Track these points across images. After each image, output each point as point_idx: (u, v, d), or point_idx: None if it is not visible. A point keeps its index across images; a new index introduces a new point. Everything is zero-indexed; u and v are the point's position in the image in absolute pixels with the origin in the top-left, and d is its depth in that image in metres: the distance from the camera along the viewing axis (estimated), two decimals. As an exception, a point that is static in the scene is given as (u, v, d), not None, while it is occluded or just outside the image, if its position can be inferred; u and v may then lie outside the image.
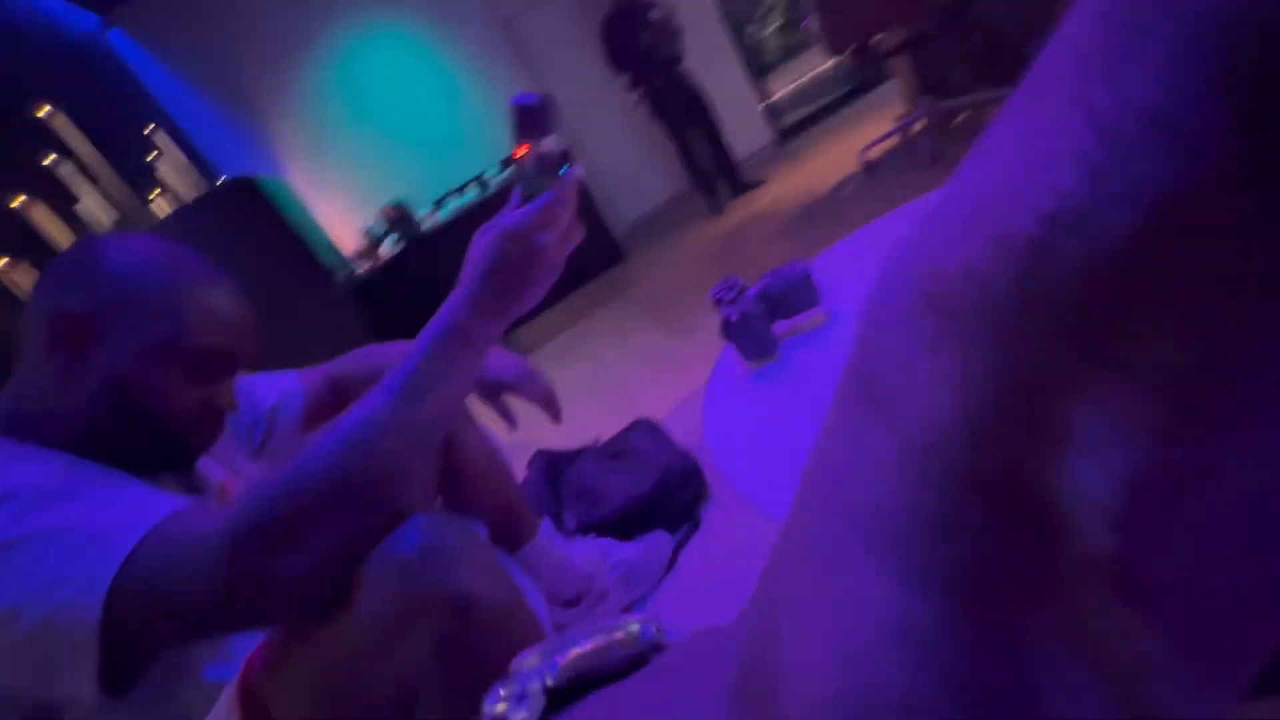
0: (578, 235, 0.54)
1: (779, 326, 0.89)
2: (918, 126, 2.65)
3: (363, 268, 3.75)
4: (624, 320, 2.85)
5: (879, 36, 2.48)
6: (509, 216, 0.51)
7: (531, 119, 0.48)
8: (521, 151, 0.49)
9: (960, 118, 2.71)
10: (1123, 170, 0.07)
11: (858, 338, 0.12)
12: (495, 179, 3.92)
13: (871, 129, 3.55)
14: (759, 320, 0.82)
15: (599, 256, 3.84)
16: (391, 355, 0.88)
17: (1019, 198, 0.09)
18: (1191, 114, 0.07)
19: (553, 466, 1.37)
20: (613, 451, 1.38)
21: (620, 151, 4.70)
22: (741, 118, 4.61)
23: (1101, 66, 0.08)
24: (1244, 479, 0.08)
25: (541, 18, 4.40)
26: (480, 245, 0.51)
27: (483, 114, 4.29)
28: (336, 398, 0.86)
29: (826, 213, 2.68)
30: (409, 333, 0.95)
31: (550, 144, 0.49)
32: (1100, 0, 0.08)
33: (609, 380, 2.27)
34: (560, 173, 0.50)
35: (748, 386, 0.83)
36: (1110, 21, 0.08)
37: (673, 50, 3.52)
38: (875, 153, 2.88)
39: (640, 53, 3.47)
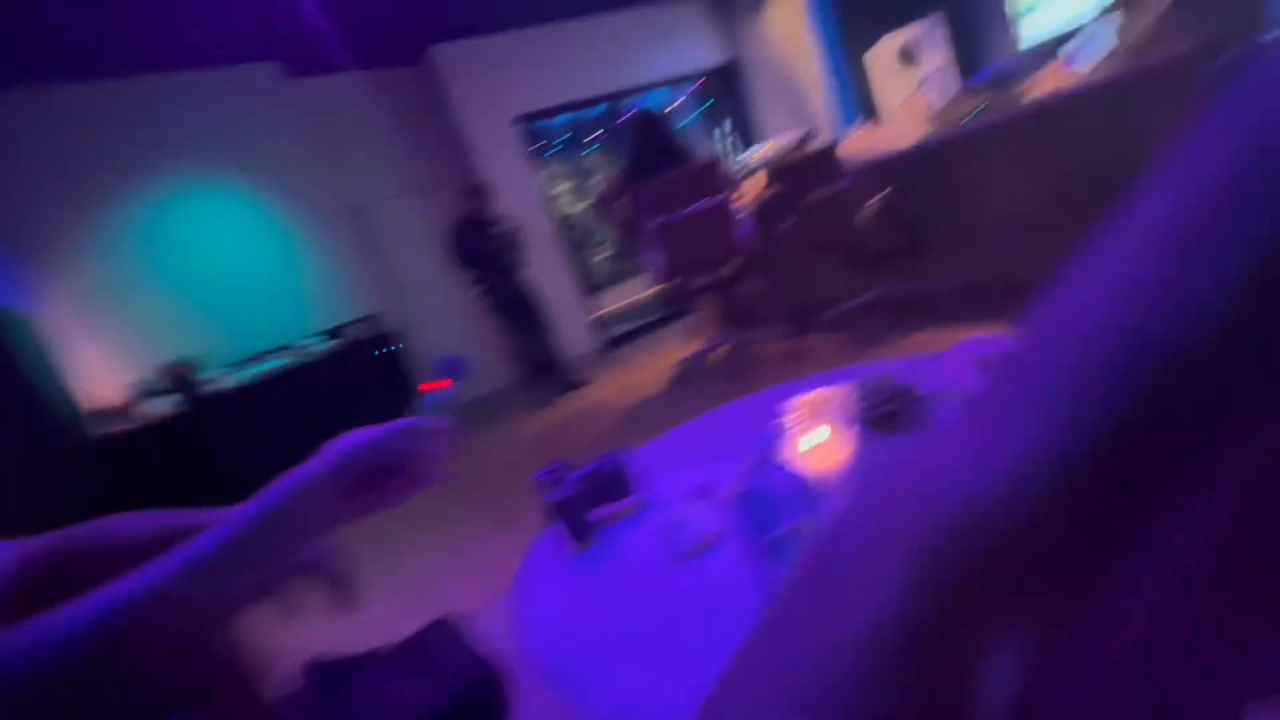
0: (443, 474, 0.57)
1: (595, 513, 0.93)
2: (721, 349, 3.13)
3: (118, 426, 3.15)
4: (437, 507, 2.67)
5: (692, 277, 3.01)
6: (397, 422, 0.53)
7: (449, 369, 0.61)
8: (426, 387, 0.60)
9: (752, 347, 3.27)
10: (1035, 478, 0.12)
11: (821, 541, 0.15)
12: (311, 349, 3.72)
13: (684, 347, 4.10)
14: (579, 504, 0.85)
15: (416, 438, 3.68)
16: (143, 527, 0.74)
17: (973, 472, 0.12)
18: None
19: (329, 677, 1.15)
20: (404, 656, 1.21)
21: (453, 338, 4.81)
22: (572, 325, 5.06)
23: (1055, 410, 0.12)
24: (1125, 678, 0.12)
25: (391, 212, 4.67)
26: (351, 438, 0.51)
27: (310, 285, 4.19)
28: (56, 576, 0.68)
29: (642, 415, 2.92)
30: (175, 503, 0.82)
31: (450, 392, 0.60)
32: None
33: (414, 573, 2.05)
34: (447, 417, 0.60)
35: (563, 573, 0.82)
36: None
37: (514, 260, 3.89)
38: (686, 367, 3.31)
39: (484, 257, 3.78)
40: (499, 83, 4.82)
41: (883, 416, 0.65)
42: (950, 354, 1.06)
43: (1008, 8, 5.68)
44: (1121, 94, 2.07)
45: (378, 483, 0.52)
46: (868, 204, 2.56)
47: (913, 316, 2.86)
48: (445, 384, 0.59)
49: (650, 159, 3.06)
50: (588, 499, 0.91)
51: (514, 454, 3.11)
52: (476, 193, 3.83)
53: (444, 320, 4.80)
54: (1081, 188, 2.53)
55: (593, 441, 2.82)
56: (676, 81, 5.82)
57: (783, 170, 2.86)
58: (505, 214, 3.94)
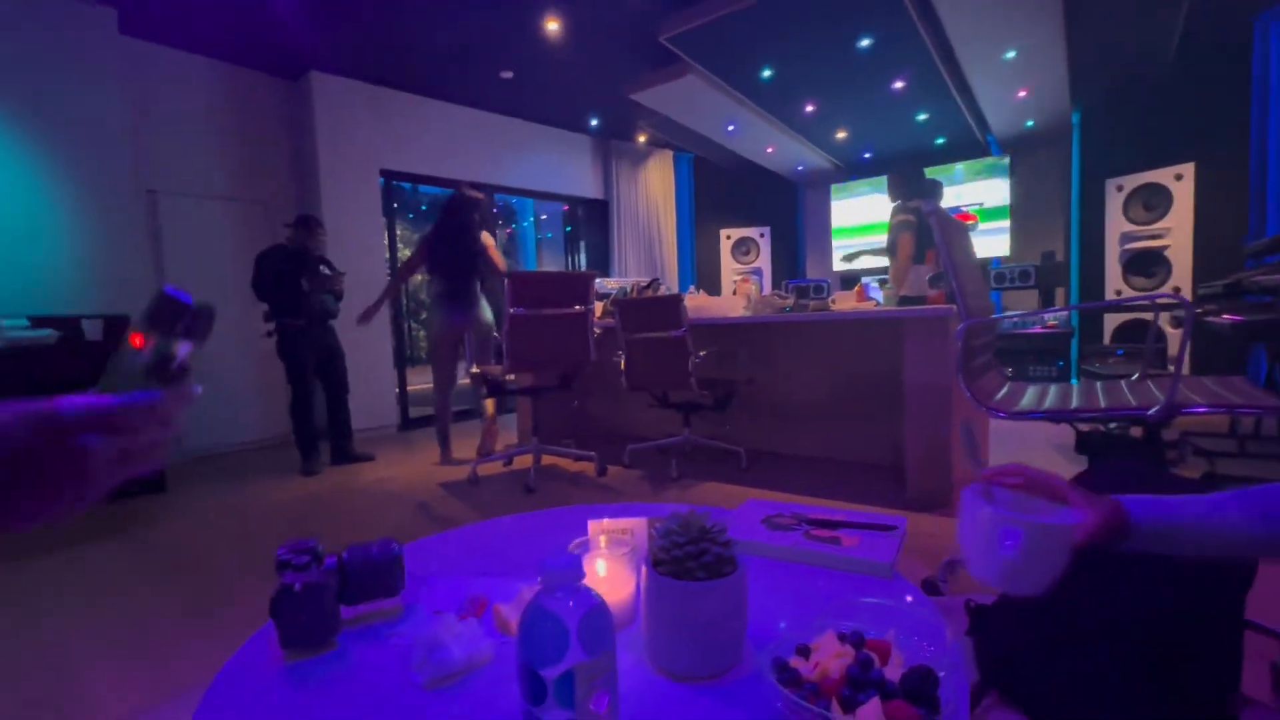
0: (158, 457, 0.39)
1: (347, 611, 0.78)
2: (525, 456, 3.03)
3: None
4: (117, 572, 2.07)
5: (514, 376, 2.96)
6: (62, 401, 0.36)
7: (174, 314, 0.40)
8: (137, 340, 0.39)
9: (555, 461, 3.21)
10: None
11: None
12: (21, 335, 2.90)
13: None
14: (325, 596, 0.70)
15: (123, 479, 2.91)
16: None
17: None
18: None
19: None
20: None
21: (219, 371, 4.10)
22: (375, 395, 4.61)
23: None
24: None
25: (190, 207, 4.07)
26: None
27: (53, 258, 3.35)
28: None
29: (424, 507, 2.65)
30: None
31: (180, 349, 0.40)
32: None
33: (47, 666, 1.52)
34: (169, 382, 0.40)
35: (279, 686, 0.65)
36: None
37: (328, 306, 3.53)
38: (485, 467, 3.13)
39: (293, 294, 3.37)
40: (374, 132, 4.66)
41: (676, 560, 0.64)
42: (742, 511, 1.13)
43: (831, 241, 7.00)
44: (893, 325, 2.59)
45: (26, 480, 0.34)
46: (695, 356, 2.79)
47: (704, 468, 3.06)
48: (168, 339, 0.40)
49: (449, 235, 3.38)
50: (344, 590, 0.76)
51: (247, 522, 2.59)
52: (302, 225, 3.50)
53: (215, 345, 4.10)
54: (856, 388, 3.06)
55: (355, 526, 2.47)
56: (546, 197, 6.13)
57: (630, 305, 3.04)
58: (328, 258, 3.61)
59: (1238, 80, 4.13)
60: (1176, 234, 4.41)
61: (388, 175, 4.85)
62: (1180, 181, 4.37)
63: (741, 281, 3.75)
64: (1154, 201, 4.49)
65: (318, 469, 3.41)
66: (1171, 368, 4.55)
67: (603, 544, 0.80)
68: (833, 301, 3.10)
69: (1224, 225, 4.31)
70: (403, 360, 5.00)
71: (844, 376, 3.13)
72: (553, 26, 3.86)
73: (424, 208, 8.20)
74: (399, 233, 7.56)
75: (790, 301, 3.14)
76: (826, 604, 0.75)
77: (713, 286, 6.94)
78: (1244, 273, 3.13)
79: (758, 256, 6.90)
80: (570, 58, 4.34)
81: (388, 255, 4.85)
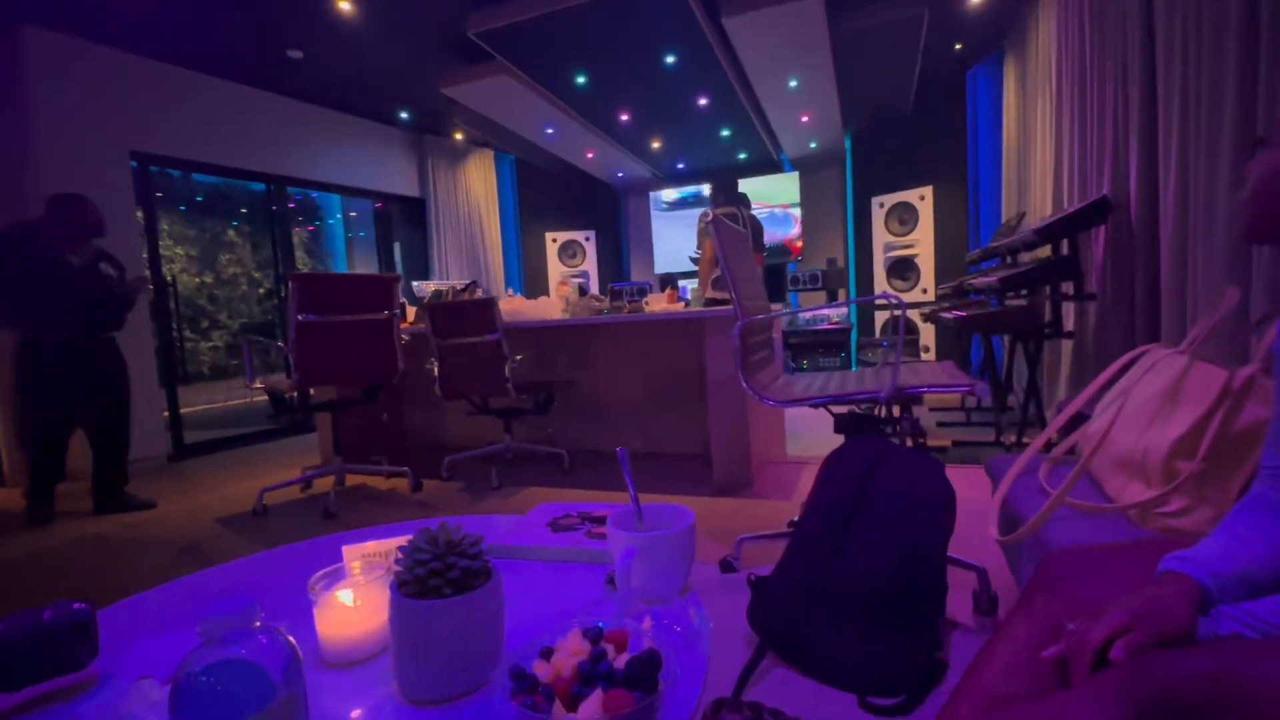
0: None
1: (8, 699, 0.63)
2: (327, 481, 2.74)
3: None
4: None
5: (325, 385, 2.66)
6: None
7: None
8: None
9: (362, 481, 2.96)
10: None
11: None
12: None
13: (281, 472, 3.47)
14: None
15: None
16: None
17: None
18: None
19: None
20: None
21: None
22: (134, 418, 3.85)
23: None
24: None
25: None
26: None
27: None
28: None
29: (192, 548, 2.27)
30: None
31: None
32: None
33: None
34: None
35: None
36: None
37: (106, 314, 2.82)
38: (274, 496, 2.77)
39: (46, 293, 2.64)
40: (120, 107, 3.90)
41: (419, 580, 0.61)
42: (531, 515, 1.12)
43: (654, 243, 7.32)
44: (697, 324, 2.78)
45: None
46: (512, 360, 2.73)
47: (528, 473, 3.02)
48: None
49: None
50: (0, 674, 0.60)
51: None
52: (64, 205, 2.72)
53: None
54: (670, 384, 3.23)
55: (90, 586, 2.04)
56: (352, 192, 5.63)
57: (442, 309, 2.89)
58: (110, 253, 2.86)
59: (959, 119, 5.08)
60: (923, 244, 5.31)
61: (143, 159, 4.08)
62: (924, 201, 5.27)
63: (560, 284, 3.76)
64: (906, 217, 5.36)
65: (49, 515, 2.75)
66: (924, 355, 5.47)
67: (356, 571, 0.74)
68: (646, 303, 3.23)
69: (956, 237, 5.28)
70: (172, 377, 4.25)
71: (658, 374, 3.28)
72: (344, 5, 3.54)
73: (200, 199, 7.05)
74: (165, 226, 6.47)
75: (606, 304, 3.22)
76: (588, 600, 0.77)
77: (540, 289, 6.90)
78: (966, 276, 3.86)
79: (584, 259, 7.00)
80: (370, 42, 4.02)
81: (146, 252, 4.09)
